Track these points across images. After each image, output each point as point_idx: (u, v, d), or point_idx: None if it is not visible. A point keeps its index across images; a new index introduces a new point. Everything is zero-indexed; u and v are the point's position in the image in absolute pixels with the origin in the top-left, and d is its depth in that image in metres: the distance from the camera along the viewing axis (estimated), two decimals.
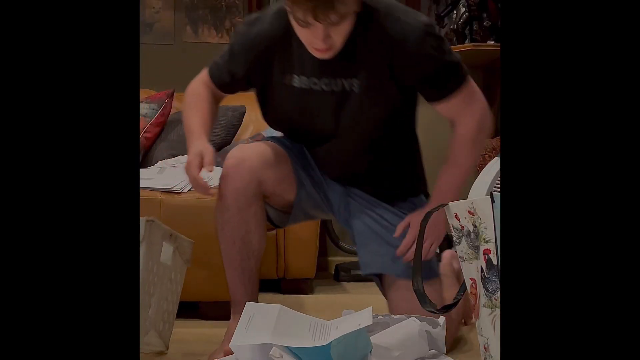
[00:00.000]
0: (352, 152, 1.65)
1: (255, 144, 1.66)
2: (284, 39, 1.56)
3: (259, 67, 1.60)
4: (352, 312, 1.36)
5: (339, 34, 1.45)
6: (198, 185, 1.54)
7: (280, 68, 1.59)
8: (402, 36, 1.51)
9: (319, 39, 1.42)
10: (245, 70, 1.63)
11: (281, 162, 1.64)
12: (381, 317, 1.47)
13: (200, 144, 1.56)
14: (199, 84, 1.71)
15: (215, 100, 1.72)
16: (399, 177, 1.73)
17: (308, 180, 1.68)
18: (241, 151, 1.62)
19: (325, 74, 1.56)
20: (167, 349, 1.63)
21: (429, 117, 3.70)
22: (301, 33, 1.46)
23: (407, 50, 1.51)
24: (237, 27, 1.64)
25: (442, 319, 1.41)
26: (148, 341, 1.52)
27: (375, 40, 1.52)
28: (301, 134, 1.68)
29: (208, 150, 1.54)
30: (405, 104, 1.64)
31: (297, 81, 1.58)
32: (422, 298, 1.34)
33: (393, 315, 1.45)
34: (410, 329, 1.32)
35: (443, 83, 1.57)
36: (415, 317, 1.36)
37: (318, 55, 1.49)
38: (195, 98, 1.69)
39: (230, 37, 1.69)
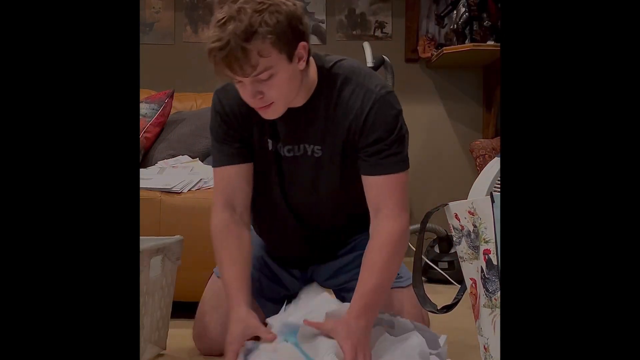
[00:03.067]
0: (329, 209, 1.63)
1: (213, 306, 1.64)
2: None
3: (245, 135, 1.56)
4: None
5: (274, 90, 1.38)
6: None
7: (258, 132, 1.55)
8: (358, 104, 1.48)
9: (248, 95, 1.38)
10: (239, 141, 1.57)
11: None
12: (388, 315, 1.48)
13: (240, 312, 1.47)
14: (221, 212, 1.57)
15: (245, 226, 1.59)
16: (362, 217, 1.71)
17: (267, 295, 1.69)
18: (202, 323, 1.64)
19: (289, 141, 1.54)
20: (165, 349, 1.63)
21: (428, 117, 3.71)
22: (239, 91, 1.42)
23: (362, 118, 1.48)
24: (212, 106, 1.59)
25: (443, 338, 1.42)
26: (145, 356, 1.53)
27: (335, 105, 1.49)
28: (278, 194, 1.63)
29: (252, 323, 1.45)
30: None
31: (271, 144, 1.55)
32: (422, 299, 1.34)
33: (399, 318, 1.46)
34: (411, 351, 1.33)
35: (384, 158, 1.49)
36: (417, 331, 1.38)
37: (262, 114, 1.44)
38: (222, 238, 1.56)
39: (211, 115, 1.60)
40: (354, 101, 1.48)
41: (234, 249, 1.54)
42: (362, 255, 1.69)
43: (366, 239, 1.65)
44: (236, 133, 1.54)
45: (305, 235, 1.66)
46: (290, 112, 1.49)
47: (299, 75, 1.42)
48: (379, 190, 1.49)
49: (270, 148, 1.56)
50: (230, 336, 1.44)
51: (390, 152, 1.49)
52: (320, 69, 1.50)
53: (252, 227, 1.76)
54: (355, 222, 1.69)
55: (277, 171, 1.57)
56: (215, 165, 1.58)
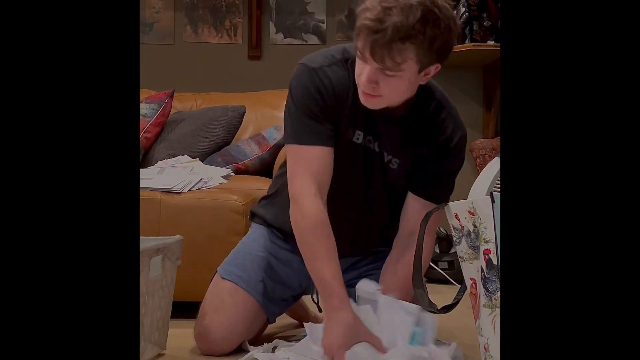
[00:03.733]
0: (377, 222, 1.65)
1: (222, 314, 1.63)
2: (354, 90, 1.49)
3: (336, 120, 1.51)
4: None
5: (389, 88, 1.39)
6: None
7: (346, 120, 1.52)
8: (449, 132, 1.54)
9: (365, 77, 1.37)
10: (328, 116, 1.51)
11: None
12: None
13: (350, 316, 1.41)
14: (314, 197, 1.46)
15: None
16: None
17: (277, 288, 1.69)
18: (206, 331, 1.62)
19: (378, 143, 1.55)
20: (165, 349, 1.63)
21: None
22: (357, 66, 1.41)
23: (445, 146, 1.54)
24: (297, 80, 1.51)
25: (453, 346, 1.41)
26: (145, 356, 1.53)
27: (428, 126, 1.54)
28: (343, 192, 1.59)
29: (362, 329, 1.41)
30: None
31: (360, 138, 1.54)
32: (423, 299, 1.34)
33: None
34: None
35: (443, 187, 1.56)
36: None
37: (363, 99, 1.43)
38: (320, 230, 1.46)
39: (291, 95, 1.52)
40: (444, 129, 1.53)
41: (332, 243, 1.46)
42: (374, 252, 1.69)
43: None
44: (332, 114, 1.49)
45: (346, 235, 1.63)
46: (391, 117, 1.51)
47: (415, 87, 1.46)
48: (422, 214, 1.48)
49: (359, 141, 1.54)
50: (339, 339, 1.39)
51: (451, 185, 1.57)
52: (422, 86, 1.51)
53: (259, 223, 1.75)
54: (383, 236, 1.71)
55: (362, 164, 1.56)
56: (302, 142, 1.47)
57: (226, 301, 1.63)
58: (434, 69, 1.43)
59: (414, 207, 1.55)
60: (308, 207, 1.45)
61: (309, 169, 1.47)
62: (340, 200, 1.57)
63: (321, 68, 1.49)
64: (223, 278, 1.66)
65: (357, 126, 1.52)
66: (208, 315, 1.63)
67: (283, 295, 1.70)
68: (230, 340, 1.62)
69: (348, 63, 1.50)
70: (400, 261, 1.56)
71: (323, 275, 1.44)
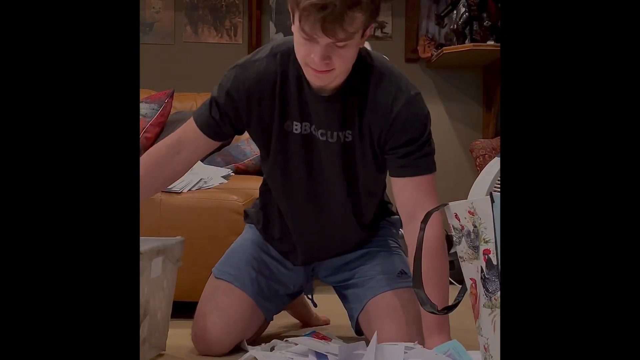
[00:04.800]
0: (351, 200, 1.61)
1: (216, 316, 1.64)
2: (282, 82, 1.51)
3: (257, 111, 1.53)
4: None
5: (342, 59, 1.38)
6: None
7: (280, 113, 1.53)
8: (388, 102, 1.48)
9: (318, 56, 1.36)
10: (237, 115, 1.55)
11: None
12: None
13: None
14: (166, 146, 1.62)
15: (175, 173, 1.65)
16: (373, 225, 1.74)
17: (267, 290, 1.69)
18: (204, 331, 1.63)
19: (323, 125, 1.52)
20: (164, 349, 1.64)
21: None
22: (300, 49, 1.39)
23: (390, 117, 1.48)
24: (227, 73, 1.56)
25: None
26: (145, 356, 1.53)
27: (365, 96, 1.49)
28: (294, 187, 1.61)
29: None
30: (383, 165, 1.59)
31: (299, 127, 1.53)
32: (423, 299, 1.34)
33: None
34: None
35: (417, 159, 1.50)
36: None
37: (314, 78, 1.43)
38: (154, 166, 1.59)
39: (220, 83, 1.56)
40: (384, 99, 1.48)
41: (160, 182, 1.60)
42: (367, 253, 1.69)
43: (371, 241, 1.64)
44: (235, 115, 1.53)
45: (318, 226, 1.64)
46: (322, 97, 1.49)
47: (354, 54, 1.43)
48: (413, 193, 1.49)
49: (297, 131, 1.53)
50: None
51: (422, 153, 1.50)
52: (359, 56, 1.49)
53: (251, 223, 1.76)
54: (367, 227, 1.69)
55: (305, 155, 1.55)
56: (196, 120, 1.57)
57: (221, 301, 1.63)
58: (370, 29, 1.42)
59: (402, 187, 1.51)
60: (158, 145, 1.62)
61: (184, 136, 1.59)
62: (297, 197, 1.60)
63: (243, 64, 1.53)
64: (217, 278, 1.67)
65: (294, 117, 1.52)
66: (204, 316, 1.63)
67: (278, 293, 1.70)
68: (226, 340, 1.62)
69: (276, 57, 1.51)
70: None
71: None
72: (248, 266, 1.67)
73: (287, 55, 1.50)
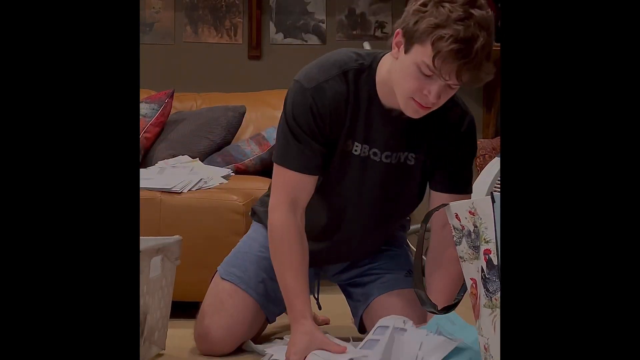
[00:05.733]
0: (383, 217, 1.64)
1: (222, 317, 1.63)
2: (354, 101, 1.50)
3: (329, 129, 1.50)
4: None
5: (446, 97, 1.40)
6: None
7: (347, 132, 1.52)
8: (458, 117, 1.54)
9: (434, 94, 1.36)
10: (320, 135, 1.51)
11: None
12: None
13: (307, 325, 1.46)
14: (286, 211, 1.50)
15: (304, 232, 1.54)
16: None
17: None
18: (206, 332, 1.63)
19: (388, 147, 1.53)
20: (164, 349, 1.64)
21: None
22: (412, 83, 1.37)
23: (456, 133, 1.54)
24: (291, 98, 1.50)
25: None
26: (144, 356, 1.53)
27: (434, 116, 1.49)
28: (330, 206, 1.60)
29: (317, 336, 1.44)
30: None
31: (359, 149, 1.53)
32: (423, 299, 1.34)
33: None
34: None
35: (463, 177, 1.58)
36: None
37: (413, 112, 1.42)
38: (287, 241, 1.50)
39: (287, 112, 1.51)
40: (455, 116, 1.53)
41: (299, 255, 1.50)
42: (376, 251, 1.67)
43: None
44: (325, 134, 1.50)
45: (346, 237, 1.64)
46: (392, 114, 1.50)
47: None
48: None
49: (356, 152, 1.53)
50: (294, 347, 1.43)
51: (468, 173, 1.58)
52: None
53: (259, 222, 1.75)
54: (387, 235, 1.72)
55: (360, 177, 1.55)
56: (286, 165, 1.50)
57: (226, 302, 1.63)
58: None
59: (436, 199, 1.56)
60: (277, 220, 1.51)
61: (287, 189, 1.50)
62: (338, 214, 1.60)
63: (317, 87, 1.48)
64: (223, 279, 1.66)
65: (356, 138, 1.52)
66: (208, 316, 1.63)
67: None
68: (229, 341, 1.62)
69: (348, 76, 1.49)
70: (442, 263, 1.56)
71: (286, 287, 1.50)
72: (254, 267, 1.67)
73: (360, 74, 1.50)
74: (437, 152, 1.55)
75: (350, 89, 1.48)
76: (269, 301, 1.66)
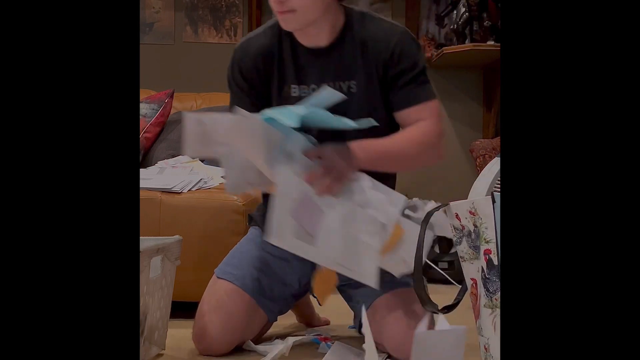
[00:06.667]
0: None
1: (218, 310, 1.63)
2: (279, 50, 1.59)
3: (259, 81, 1.61)
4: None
5: (301, 2, 1.46)
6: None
7: (278, 80, 1.60)
8: (384, 36, 1.57)
9: None
10: (250, 88, 1.63)
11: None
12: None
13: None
14: None
15: None
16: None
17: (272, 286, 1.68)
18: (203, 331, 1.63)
19: (324, 81, 1.57)
20: (164, 349, 1.64)
21: None
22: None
23: (389, 49, 1.56)
24: (234, 52, 1.67)
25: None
26: (144, 356, 1.53)
27: (360, 40, 1.57)
28: None
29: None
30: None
31: (296, 91, 1.60)
32: (423, 299, 1.34)
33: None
34: None
35: (417, 87, 1.58)
36: None
37: (281, 20, 1.50)
38: None
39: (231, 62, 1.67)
40: (380, 35, 1.56)
41: None
42: None
43: None
44: (257, 83, 1.60)
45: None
46: (318, 52, 1.56)
47: (329, 3, 1.51)
48: (417, 120, 1.56)
49: (296, 94, 1.59)
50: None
51: (420, 80, 1.57)
52: (347, 10, 1.59)
53: (256, 226, 1.75)
54: None
55: None
56: (232, 110, 1.56)
57: (222, 301, 1.63)
58: None
59: (406, 118, 1.58)
60: None
61: None
62: None
63: (243, 43, 1.62)
64: (219, 278, 1.67)
65: (291, 82, 1.59)
66: (205, 316, 1.63)
67: (282, 293, 1.70)
68: (227, 340, 1.61)
69: (274, 28, 1.60)
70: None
71: None
72: (250, 266, 1.67)
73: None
74: (377, 75, 1.58)
75: (274, 40, 1.59)
76: (267, 298, 1.66)
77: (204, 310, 1.64)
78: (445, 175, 3.58)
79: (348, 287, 1.71)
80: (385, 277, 1.64)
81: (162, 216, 2.03)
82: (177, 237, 1.65)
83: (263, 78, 1.60)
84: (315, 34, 1.55)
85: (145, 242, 1.51)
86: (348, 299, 1.72)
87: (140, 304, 1.43)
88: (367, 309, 1.64)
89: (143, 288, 1.45)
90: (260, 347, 1.62)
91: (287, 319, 2.02)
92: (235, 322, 1.62)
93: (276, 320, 1.74)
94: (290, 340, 1.60)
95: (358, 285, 1.66)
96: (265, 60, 1.59)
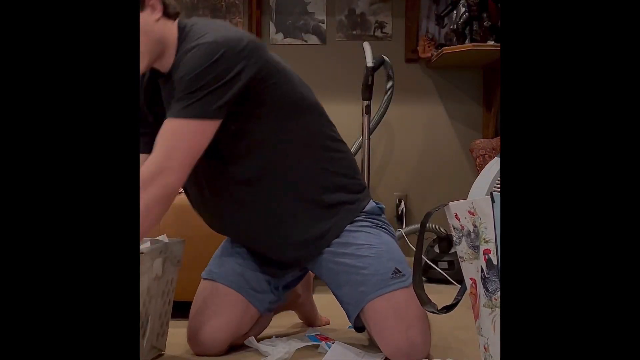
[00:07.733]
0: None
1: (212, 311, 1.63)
2: (142, 78, 1.58)
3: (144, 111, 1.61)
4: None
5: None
6: None
7: (147, 107, 1.60)
8: (186, 53, 1.43)
9: None
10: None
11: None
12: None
13: None
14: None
15: None
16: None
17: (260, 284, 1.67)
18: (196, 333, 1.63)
19: (168, 105, 1.48)
20: (164, 350, 1.64)
21: (428, 117, 3.71)
22: None
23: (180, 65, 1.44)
24: None
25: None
26: (145, 357, 1.53)
27: (177, 67, 1.45)
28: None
29: None
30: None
31: (152, 118, 1.59)
32: (423, 299, 1.34)
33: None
34: None
35: (178, 100, 1.40)
36: None
37: None
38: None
39: None
40: (182, 57, 1.43)
41: None
42: (346, 243, 1.61)
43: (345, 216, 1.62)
44: (143, 113, 1.60)
45: (240, 219, 1.60)
46: (162, 79, 1.52)
47: (154, 28, 1.44)
48: (159, 138, 1.39)
49: (151, 121, 1.58)
50: None
51: (185, 92, 1.38)
52: (180, 31, 1.49)
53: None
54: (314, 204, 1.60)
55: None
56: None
57: (208, 300, 1.63)
58: (152, 2, 1.44)
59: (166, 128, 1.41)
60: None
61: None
62: (201, 191, 1.64)
63: None
64: (203, 279, 1.67)
65: (150, 109, 1.59)
66: (195, 317, 1.63)
67: (269, 284, 1.68)
68: (219, 339, 1.61)
69: None
70: None
71: None
72: (231, 262, 1.66)
73: None
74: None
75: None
76: (255, 291, 1.65)
77: (193, 312, 1.64)
78: (445, 175, 3.59)
79: (335, 288, 1.64)
80: (377, 278, 1.61)
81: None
82: (179, 239, 1.65)
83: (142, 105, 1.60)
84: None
85: (147, 243, 1.51)
86: (339, 301, 1.70)
87: (142, 306, 1.43)
88: (359, 312, 1.60)
89: (145, 290, 1.45)
90: (262, 346, 1.62)
91: (288, 319, 2.02)
92: (224, 320, 1.61)
93: (271, 311, 1.72)
94: (294, 346, 1.60)
95: (345, 283, 1.61)
96: (141, 86, 1.60)
